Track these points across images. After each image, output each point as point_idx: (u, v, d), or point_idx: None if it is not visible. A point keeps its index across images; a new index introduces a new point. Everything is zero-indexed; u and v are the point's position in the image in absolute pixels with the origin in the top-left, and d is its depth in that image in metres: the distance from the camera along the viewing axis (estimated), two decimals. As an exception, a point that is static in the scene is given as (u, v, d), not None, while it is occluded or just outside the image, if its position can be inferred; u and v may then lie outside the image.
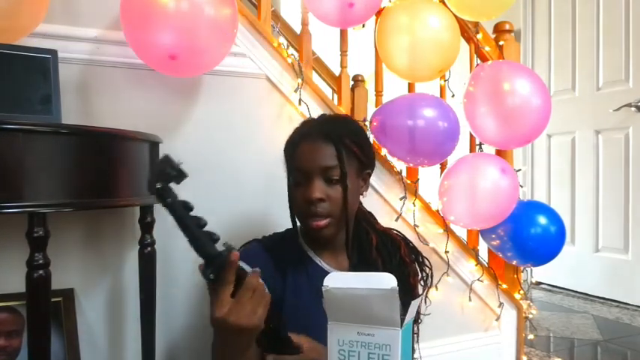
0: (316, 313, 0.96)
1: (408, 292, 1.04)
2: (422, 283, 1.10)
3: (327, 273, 0.99)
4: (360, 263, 1.01)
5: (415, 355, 1.07)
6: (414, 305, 0.67)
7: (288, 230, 1.08)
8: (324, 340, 0.77)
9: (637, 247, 2.50)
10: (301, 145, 0.98)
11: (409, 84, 1.63)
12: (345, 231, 1.01)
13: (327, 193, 0.94)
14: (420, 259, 1.11)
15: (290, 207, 1.01)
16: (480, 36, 1.62)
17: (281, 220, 1.36)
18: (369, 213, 1.13)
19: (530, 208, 1.51)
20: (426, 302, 1.11)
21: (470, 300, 1.62)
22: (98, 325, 1.19)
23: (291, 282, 0.99)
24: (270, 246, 1.02)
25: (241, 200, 1.34)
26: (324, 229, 0.95)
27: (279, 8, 3.39)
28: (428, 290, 1.12)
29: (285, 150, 1.03)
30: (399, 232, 1.13)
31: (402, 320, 0.63)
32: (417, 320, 1.09)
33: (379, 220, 1.13)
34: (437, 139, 1.35)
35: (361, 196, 1.05)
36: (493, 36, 1.67)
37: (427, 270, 1.11)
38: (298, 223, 1.03)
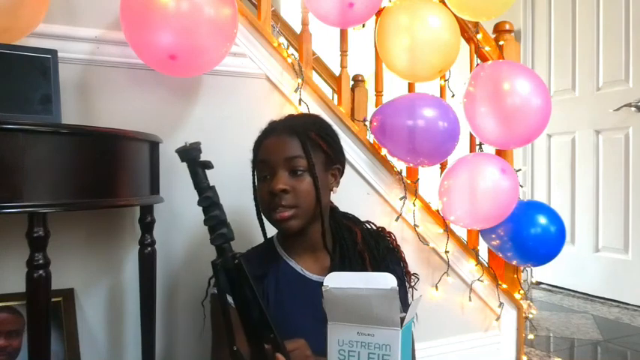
0: (300, 319, 0.95)
1: (401, 276, 1.04)
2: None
3: (301, 276, 1.00)
4: (342, 260, 1.00)
5: None
6: (413, 305, 0.67)
7: (271, 237, 1.09)
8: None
9: (637, 247, 2.50)
10: (266, 140, 0.99)
11: (409, 84, 1.63)
12: (319, 227, 1.00)
13: (291, 185, 0.94)
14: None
15: (256, 205, 1.02)
16: (480, 36, 1.62)
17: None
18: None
19: (530, 208, 1.51)
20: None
21: (470, 300, 1.62)
22: (98, 325, 1.19)
23: (270, 291, 0.99)
24: (250, 258, 0.98)
25: (240, 200, 1.34)
26: (289, 220, 0.94)
27: (279, 8, 3.39)
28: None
29: (252, 150, 1.04)
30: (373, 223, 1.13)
31: (402, 320, 0.63)
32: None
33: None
34: (437, 139, 1.35)
35: (332, 192, 1.04)
36: (493, 36, 1.67)
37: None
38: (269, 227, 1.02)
